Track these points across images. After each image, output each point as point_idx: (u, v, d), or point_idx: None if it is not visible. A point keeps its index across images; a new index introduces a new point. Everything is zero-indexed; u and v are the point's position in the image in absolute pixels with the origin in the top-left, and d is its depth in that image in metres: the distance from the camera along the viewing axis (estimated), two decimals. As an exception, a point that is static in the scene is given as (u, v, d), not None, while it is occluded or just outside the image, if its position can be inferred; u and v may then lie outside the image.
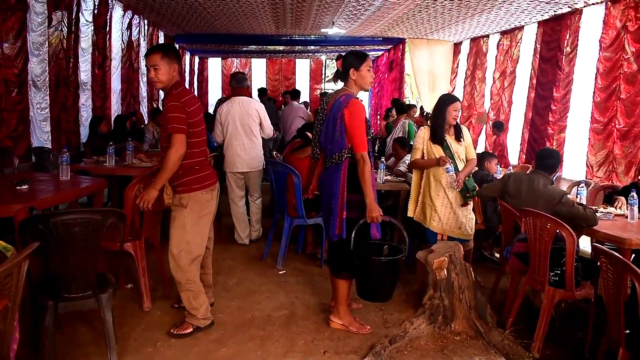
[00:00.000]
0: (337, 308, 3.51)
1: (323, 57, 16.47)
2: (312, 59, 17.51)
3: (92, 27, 7.36)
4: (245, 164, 5.35)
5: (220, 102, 5.90)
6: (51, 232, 2.40)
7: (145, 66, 3.51)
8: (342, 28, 9.90)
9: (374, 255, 3.56)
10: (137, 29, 9.37)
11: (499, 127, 8.24)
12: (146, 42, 10.01)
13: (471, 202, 4.44)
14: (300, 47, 13.84)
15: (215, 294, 3.80)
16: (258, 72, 17.44)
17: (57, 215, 2.43)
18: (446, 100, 4.41)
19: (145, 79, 10.19)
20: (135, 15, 9.20)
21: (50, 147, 6.18)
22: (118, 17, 8.46)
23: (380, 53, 14.69)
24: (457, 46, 11.93)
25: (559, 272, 3.45)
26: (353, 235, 3.34)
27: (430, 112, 11.71)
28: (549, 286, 3.40)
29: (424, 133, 4.48)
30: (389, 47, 13.00)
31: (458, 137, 4.41)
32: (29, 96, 5.67)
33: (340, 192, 3.34)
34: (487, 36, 10.41)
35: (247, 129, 5.33)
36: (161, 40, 11.16)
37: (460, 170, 4.33)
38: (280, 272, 4.61)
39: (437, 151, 4.34)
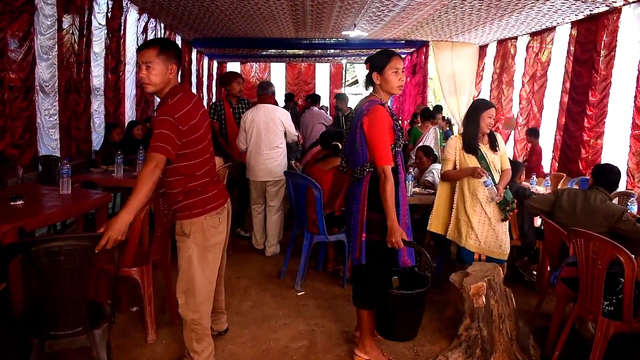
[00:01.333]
0: (362, 340, 3.13)
1: (343, 61, 16.12)
2: (332, 63, 17.17)
3: (106, 31, 7.10)
4: (268, 172, 5.25)
5: (213, 106, 5.62)
6: (32, 261, 2.06)
7: (137, 63, 3.08)
8: (364, 30, 9.53)
9: (402, 287, 3.12)
10: (153, 32, 9.11)
11: (535, 134, 7.76)
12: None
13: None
14: (320, 50, 13.50)
15: (228, 319, 3.43)
16: (277, 76, 17.17)
17: (39, 243, 2.08)
18: (480, 106, 4.03)
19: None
20: (152, 19, 8.95)
21: (59, 155, 5.91)
22: (133, 21, 8.21)
23: (402, 57, 14.29)
24: (482, 49, 11.49)
25: (614, 300, 3.05)
26: (375, 259, 2.96)
27: (449, 116, 11.43)
28: (602, 317, 2.98)
29: (455, 142, 4.12)
30: (412, 50, 12.59)
31: (493, 146, 4.04)
32: (36, 102, 5.39)
33: (360, 210, 2.97)
34: (515, 38, 9.96)
35: (271, 137, 5.23)
36: (178, 43, 10.90)
37: (497, 182, 3.97)
38: (299, 294, 4.24)
39: (472, 162, 3.97)
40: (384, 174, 2.86)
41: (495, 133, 4.10)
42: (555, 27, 8.49)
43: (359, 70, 17.91)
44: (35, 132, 5.43)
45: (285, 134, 5.37)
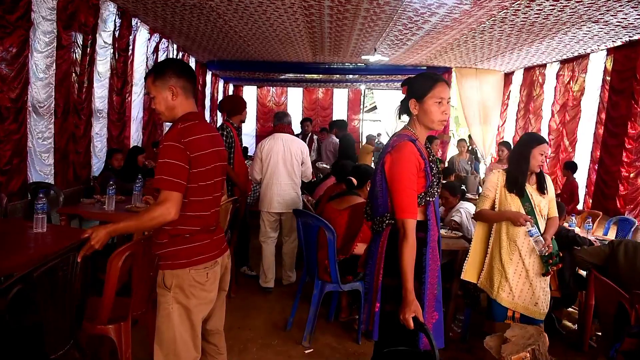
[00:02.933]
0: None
1: (362, 87, 15.68)
2: (351, 89, 16.76)
3: (112, 50, 6.71)
4: (284, 204, 5.06)
5: (220, 131, 5.12)
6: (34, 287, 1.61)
7: None
8: (385, 55, 9.09)
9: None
10: (165, 53, 8.75)
11: (572, 168, 7.14)
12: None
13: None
14: (338, 75, 13.08)
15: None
16: (294, 101, 16.80)
17: (39, 267, 1.64)
18: (532, 141, 3.53)
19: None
20: (164, 39, 8.59)
21: (53, 182, 5.47)
22: (143, 40, 7.84)
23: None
24: (508, 76, 10.98)
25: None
26: (391, 336, 2.40)
27: (479, 146, 10.89)
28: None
29: (497, 178, 3.60)
30: (434, 76, 12.09)
31: (542, 187, 3.52)
32: (27, 124, 4.97)
33: (375, 272, 2.44)
34: (544, 65, 9.44)
35: (289, 168, 5.06)
36: (192, 65, 10.55)
37: (543, 230, 3.44)
38: (306, 351, 3.69)
39: (514, 203, 3.45)
40: (403, 228, 2.32)
41: (545, 174, 3.58)
42: (589, 54, 7.95)
43: (378, 97, 17.49)
44: (26, 156, 4.99)
45: (302, 165, 5.15)
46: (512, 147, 7.79)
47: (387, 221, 2.47)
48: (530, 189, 3.48)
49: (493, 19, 6.06)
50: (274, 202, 5.03)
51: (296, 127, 12.35)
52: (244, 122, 5.21)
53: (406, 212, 2.34)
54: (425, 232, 2.45)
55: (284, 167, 5.02)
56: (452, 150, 12.12)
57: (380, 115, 18.23)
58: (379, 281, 2.42)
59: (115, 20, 6.70)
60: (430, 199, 2.48)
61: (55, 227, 3.40)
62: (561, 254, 3.47)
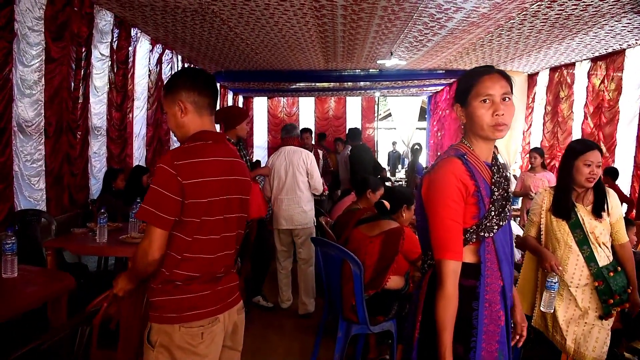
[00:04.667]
0: None
1: (377, 94, 15.11)
2: (364, 97, 16.21)
3: (109, 63, 6.22)
4: (290, 220, 4.92)
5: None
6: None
7: None
8: (402, 59, 8.52)
9: None
10: (169, 65, 8.28)
11: (613, 175, 6.52)
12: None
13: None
14: (350, 83, 12.53)
15: None
16: (306, 111, 16.27)
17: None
18: (573, 150, 2.95)
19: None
20: (167, 50, 8.12)
21: (45, 208, 4.96)
22: (144, 52, 7.35)
23: (439, 88, 13.22)
24: (532, 77, 10.35)
25: None
26: None
27: (502, 154, 10.26)
28: None
29: (541, 199, 3.05)
30: (452, 80, 11.51)
31: (598, 208, 2.91)
32: (13, 146, 4.48)
33: (413, 324, 1.97)
34: (572, 64, 8.81)
35: (291, 181, 4.92)
36: (198, 78, 10.08)
37: (605, 262, 2.87)
38: (331, 409, 3.13)
39: (562, 230, 2.89)
40: (439, 272, 1.83)
41: (609, 190, 2.98)
42: (624, 49, 7.32)
43: (392, 103, 16.91)
44: (12, 181, 4.49)
45: (309, 177, 4.95)
46: (544, 153, 7.19)
47: (428, 261, 1.94)
48: (583, 210, 2.90)
49: (524, 12, 5.48)
50: (280, 218, 4.95)
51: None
52: (243, 137, 4.64)
53: (443, 251, 1.82)
54: (476, 280, 1.87)
55: (287, 180, 4.92)
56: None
57: (395, 123, 17.62)
58: (416, 334, 1.92)
59: (112, 30, 6.21)
60: (487, 234, 1.90)
61: (33, 270, 2.86)
62: (629, 290, 2.89)
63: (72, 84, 5.42)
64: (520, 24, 6.02)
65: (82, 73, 5.60)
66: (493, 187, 1.92)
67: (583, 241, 2.86)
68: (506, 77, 1.92)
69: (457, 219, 1.84)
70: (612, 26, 6.08)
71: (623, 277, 2.90)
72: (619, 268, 2.90)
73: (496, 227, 1.90)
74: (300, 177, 4.93)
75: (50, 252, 3.81)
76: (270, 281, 5.24)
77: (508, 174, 2.05)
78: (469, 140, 1.95)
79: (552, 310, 2.86)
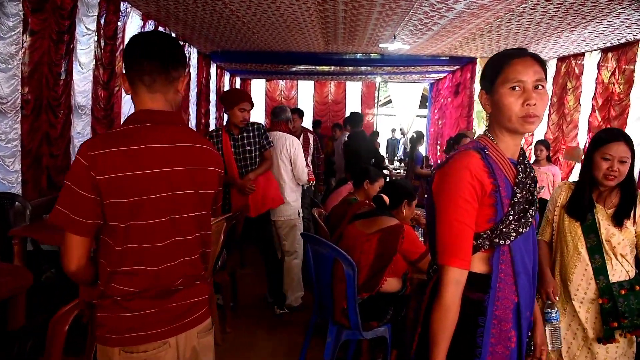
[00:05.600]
0: None
1: (378, 79, 14.74)
2: (364, 82, 15.84)
3: (96, 38, 5.87)
4: (272, 211, 4.63)
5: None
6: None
7: None
8: (406, 43, 8.16)
9: None
10: (162, 43, 7.90)
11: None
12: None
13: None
14: (351, 68, 12.15)
15: None
16: (305, 95, 15.92)
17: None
18: (593, 141, 2.63)
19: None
20: (160, 27, 7.75)
21: (21, 191, 4.65)
22: (135, 28, 6.97)
23: (442, 75, 12.86)
24: (538, 67, 10.00)
25: None
26: None
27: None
28: None
29: (559, 193, 2.73)
30: (456, 68, 11.17)
31: (620, 214, 2.54)
32: (-15, 125, 4.16)
33: (412, 333, 1.77)
34: (582, 55, 8.48)
35: (275, 170, 4.65)
36: (193, 57, 9.72)
37: (611, 278, 2.56)
38: None
39: (573, 233, 2.58)
40: (443, 278, 1.59)
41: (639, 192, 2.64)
42: (638, 40, 6.99)
43: (393, 90, 16.54)
44: (-17, 163, 4.19)
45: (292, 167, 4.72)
46: (550, 146, 6.89)
47: (434, 266, 1.68)
48: (602, 214, 2.55)
49: (531, 2, 5.13)
50: None
51: (308, 123, 11.51)
52: (237, 124, 4.32)
53: (447, 256, 1.59)
54: (485, 293, 1.61)
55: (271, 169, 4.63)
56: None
57: (395, 110, 17.25)
58: (415, 342, 1.71)
59: (100, 3, 5.85)
60: (502, 242, 1.62)
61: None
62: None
63: (54, 59, 5.08)
64: (532, 9, 5.67)
65: (65, 48, 5.24)
66: (516, 187, 1.63)
67: (595, 249, 2.54)
68: (540, 62, 1.63)
69: (468, 221, 1.58)
70: (628, 14, 5.74)
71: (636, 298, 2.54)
72: (639, 288, 2.56)
73: (514, 234, 1.63)
74: (282, 166, 4.70)
75: (17, 242, 3.51)
76: (260, 274, 4.95)
77: (535, 175, 1.75)
78: (493, 132, 1.67)
79: (561, 346, 2.54)
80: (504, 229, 1.61)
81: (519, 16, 6.05)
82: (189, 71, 9.27)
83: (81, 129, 5.81)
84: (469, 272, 1.60)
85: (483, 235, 1.62)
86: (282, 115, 4.85)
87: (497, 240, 1.61)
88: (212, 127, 11.56)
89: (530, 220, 1.67)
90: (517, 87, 1.59)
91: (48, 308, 3.02)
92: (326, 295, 3.10)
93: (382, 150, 15.79)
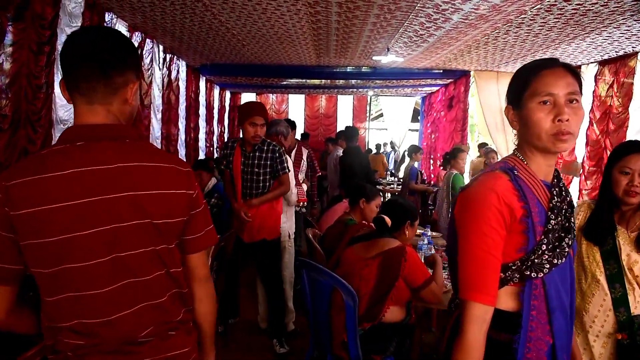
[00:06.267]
0: None
1: (370, 93, 14.58)
2: (356, 96, 15.69)
3: (79, 49, 5.61)
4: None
5: (224, 145, 4.17)
6: None
7: None
8: (400, 56, 7.99)
9: None
10: (150, 55, 7.68)
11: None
12: (162, 73, 8.35)
13: None
14: (343, 81, 11.97)
15: None
16: (296, 109, 15.75)
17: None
18: (610, 155, 2.40)
19: (160, 116, 8.52)
20: (148, 40, 7.52)
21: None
22: (121, 40, 6.74)
23: (435, 89, 12.72)
24: (532, 80, 9.86)
25: None
26: None
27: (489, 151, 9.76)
28: None
29: (577, 212, 2.48)
30: (449, 81, 11.02)
31: None
32: (-45, 140, 3.89)
33: None
34: (578, 67, 8.34)
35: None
36: (182, 70, 9.49)
37: (634, 310, 2.29)
38: None
39: (591, 258, 2.33)
40: (462, 316, 1.39)
41: None
42: (637, 53, 6.86)
43: (384, 103, 16.39)
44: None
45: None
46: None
47: (456, 300, 1.46)
48: (624, 237, 2.29)
49: (538, 6, 4.96)
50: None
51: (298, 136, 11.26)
52: (248, 140, 4.03)
53: (470, 290, 1.39)
54: (514, 333, 1.40)
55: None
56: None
57: (386, 124, 17.08)
58: None
59: (83, 13, 5.62)
60: (534, 274, 1.40)
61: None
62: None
63: (33, 71, 4.83)
64: (531, 20, 5.51)
65: (46, 59, 4.99)
66: (550, 213, 1.41)
67: (616, 277, 2.26)
68: (574, 73, 1.43)
69: (494, 251, 1.38)
70: (629, 26, 5.60)
71: None
72: None
73: (548, 266, 1.41)
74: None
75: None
76: (250, 297, 4.69)
77: (572, 200, 1.53)
78: (522, 152, 1.46)
79: None
80: (537, 260, 1.40)
81: (517, 27, 5.89)
82: (170, 76, 9.06)
83: (63, 145, 5.54)
84: (495, 309, 1.39)
85: (512, 267, 1.41)
86: (272, 129, 4.63)
87: (529, 273, 1.40)
88: (201, 142, 11.31)
89: (567, 250, 1.45)
90: (547, 101, 1.40)
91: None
92: (323, 326, 2.85)
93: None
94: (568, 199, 1.49)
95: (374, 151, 14.91)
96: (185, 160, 9.75)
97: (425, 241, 3.58)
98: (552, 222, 1.42)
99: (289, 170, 4.17)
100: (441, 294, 2.95)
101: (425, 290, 2.82)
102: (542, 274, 1.41)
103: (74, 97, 1.40)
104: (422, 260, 3.44)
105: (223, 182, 4.46)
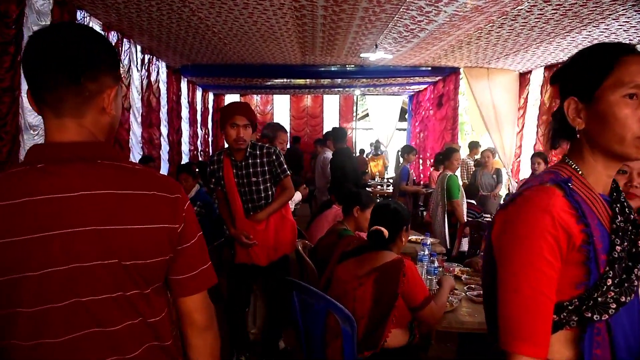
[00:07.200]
0: None
1: (357, 92, 14.29)
2: (342, 95, 15.40)
3: (48, 50, 5.25)
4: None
5: (209, 165, 3.66)
6: None
7: None
8: (388, 52, 7.69)
9: None
10: (127, 56, 7.31)
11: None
12: (141, 74, 7.98)
13: None
14: (329, 80, 11.66)
15: None
16: (281, 110, 15.45)
17: None
18: None
19: (140, 119, 8.15)
20: (125, 40, 7.15)
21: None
22: (95, 40, 6.37)
23: (423, 87, 12.45)
24: (523, 76, 9.65)
25: None
26: None
27: (500, 155, 9.52)
28: None
29: None
30: (437, 79, 10.76)
31: None
32: None
33: None
34: (571, 62, 8.11)
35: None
36: (162, 72, 9.13)
37: None
38: None
39: None
40: None
41: None
42: (635, 45, 6.62)
43: (370, 103, 16.10)
44: None
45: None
46: (548, 159, 6.48)
47: (494, 344, 1.15)
48: None
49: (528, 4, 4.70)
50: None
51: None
52: (232, 145, 3.43)
53: (515, 339, 1.06)
54: None
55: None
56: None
57: (372, 123, 16.77)
58: None
59: (51, 10, 5.25)
60: (597, 316, 1.09)
61: None
62: None
63: (-2, 73, 4.47)
64: (528, 11, 5.24)
65: (11, 60, 4.63)
66: (614, 237, 1.10)
67: None
68: None
69: (547, 290, 1.08)
70: (628, 17, 5.35)
71: None
72: None
73: (614, 305, 1.10)
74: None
75: None
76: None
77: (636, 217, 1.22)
78: (579, 159, 1.16)
79: None
80: (600, 298, 1.09)
81: (513, 20, 5.62)
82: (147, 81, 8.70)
83: (32, 152, 5.17)
84: None
85: (568, 307, 1.10)
86: (263, 133, 4.26)
87: (590, 315, 1.09)
88: (184, 145, 10.94)
89: (636, 283, 1.14)
90: (634, 95, 1.09)
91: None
92: (319, 353, 2.53)
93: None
94: (632, 217, 1.20)
95: (372, 152, 14.53)
96: (171, 169, 9.37)
97: (426, 251, 3.27)
98: (618, 248, 1.12)
99: (290, 172, 3.67)
100: (441, 315, 2.64)
101: (423, 311, 2.51)
102: (607, 316, 1.11)
103: (42, 110, 1.16)
104: (424, 276, 3.14)
105: (217, 204, 3.93)
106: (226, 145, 3.55)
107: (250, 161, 3.44)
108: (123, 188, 1.15)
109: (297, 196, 4.23)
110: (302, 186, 5.01)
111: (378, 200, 4.01)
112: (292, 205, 4.39)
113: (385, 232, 2.67)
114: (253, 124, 3.43)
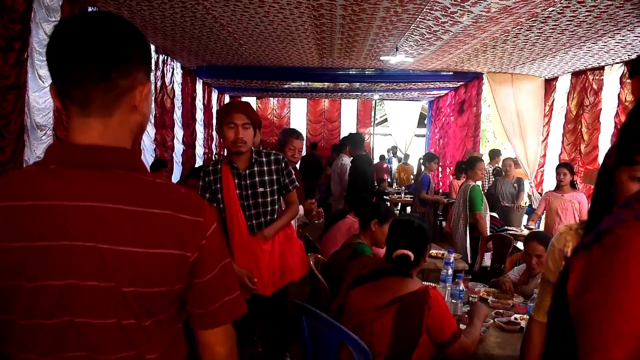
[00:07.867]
0: None
1: (375, 97, 14.02)
2: (360, 100, 15.14)
3: (57, 47, 5.07)
4: None
5: (202, 176, 3.16)
6: None
7: None
8: (409, 55, 7.42)
9: None
10: (141, 56, 7.13)
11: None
12: (155, 75, 7.81)
13: None
14: (346, 84, 11.42)
15: None
16: (298, 113, 15.22)
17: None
18: (619, 158, 1.74)
19: (154, 121, 7.97)
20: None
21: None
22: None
23: (443, 93, 12.15)
24: (549, 82, 9.31)
25: None
26: None
27: (522, 164, 9.16)
28: None
29: (562, 243, 1.79)
30: (459, 84, 10.46)
31: None
32: None
33: None
34: (601, 68, 7.77)
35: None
36: (177, 72, 8.95)
37: None
38: None
39: None
40: None
41: None
42: (669, 51, 6.29)
43: (389, 108, 15.82)
44: None
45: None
46: (574, 170, 6.15)
47: None
48: None
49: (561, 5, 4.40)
50: None
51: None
52: (230, 149, 2.93)
53: None
54: None
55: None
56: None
57: (391, 129, 16.49)
58: None
59: (62, 7, 5.08)
60: None
61: None
62: None
63: (1, 70, 4.29)
64: (560, 13, 4.94)
65: (16, 56, 4.45)
66: None
67: None
68: None
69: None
70: (666, 21, 5.03)
71: None
72: None
73: None
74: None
75: None
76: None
77: None
78: None
79: None
80: None
81: (542, 22, 5.32)
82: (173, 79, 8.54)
83: (41, 153, 4.99)
84: None
85: None
86: (280, 138, 4.00)
87: None
88: (199, 148, 10.75)
89: None
90: None
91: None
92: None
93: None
94: None
95: (402, 160, 14.27)
96: (184, 172, 9.17)
97: (449, 271, 2.98)
98: None
99: (298, 185, 3.21)
100: (473, 350, 2.33)
101: (452, 347, 2.22)
102: None
103: (66, 106, 1.05)
104: (447, 298, 2.85)
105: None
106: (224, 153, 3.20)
107: (255, 169, 2.96)
108: (134, 204, 1.02)
109: (300, 210, 3.93)
110: (307, 200, 4.68)
111: (396, 211, 3.71)
112: (294, 223, 3.93)
113: (411, 255, 2.38)
114: (255, 125, 2.94)
